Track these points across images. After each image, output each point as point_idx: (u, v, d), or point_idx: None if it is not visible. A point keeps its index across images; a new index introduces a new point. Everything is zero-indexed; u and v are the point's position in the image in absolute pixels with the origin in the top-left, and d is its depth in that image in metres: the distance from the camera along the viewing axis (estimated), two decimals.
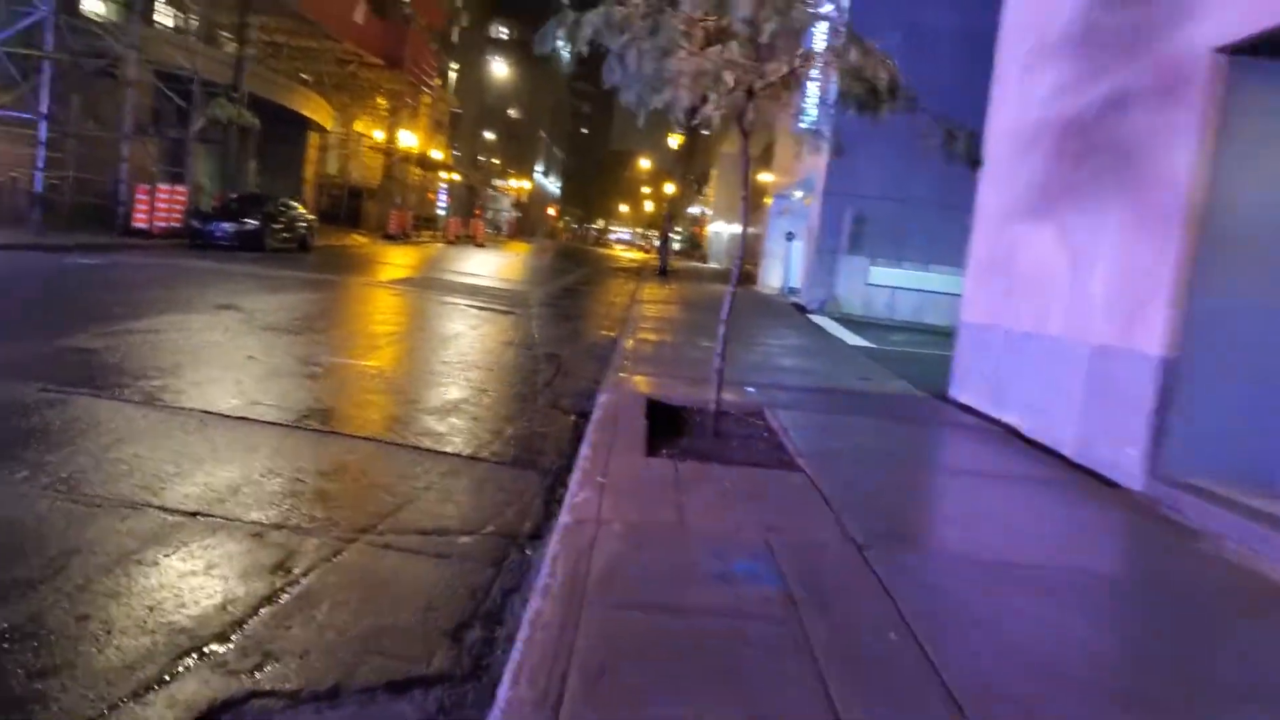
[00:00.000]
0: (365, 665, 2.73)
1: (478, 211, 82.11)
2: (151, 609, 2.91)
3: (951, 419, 8.49)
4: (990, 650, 3.26)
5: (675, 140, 33.52)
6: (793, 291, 24.91)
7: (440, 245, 40.36)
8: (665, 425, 6.95)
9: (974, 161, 6.12)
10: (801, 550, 4.08)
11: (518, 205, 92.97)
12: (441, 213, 63.81)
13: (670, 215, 44.39)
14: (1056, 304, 7.62)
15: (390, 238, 37.68)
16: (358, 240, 33.71)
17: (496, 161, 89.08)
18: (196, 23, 27.62)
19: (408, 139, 45.92)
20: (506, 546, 4.04)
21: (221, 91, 23.16)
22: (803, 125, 20.44)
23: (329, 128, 39.27)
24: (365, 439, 5.51)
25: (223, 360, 7.35)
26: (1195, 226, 6.06)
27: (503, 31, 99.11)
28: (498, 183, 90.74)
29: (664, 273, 31.46)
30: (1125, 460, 6.34)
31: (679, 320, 15.68)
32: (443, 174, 66.67)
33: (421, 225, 51.43)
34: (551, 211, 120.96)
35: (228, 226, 20.83)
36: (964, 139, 6.18)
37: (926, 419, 8.45)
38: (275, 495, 4.20)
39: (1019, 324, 8.31)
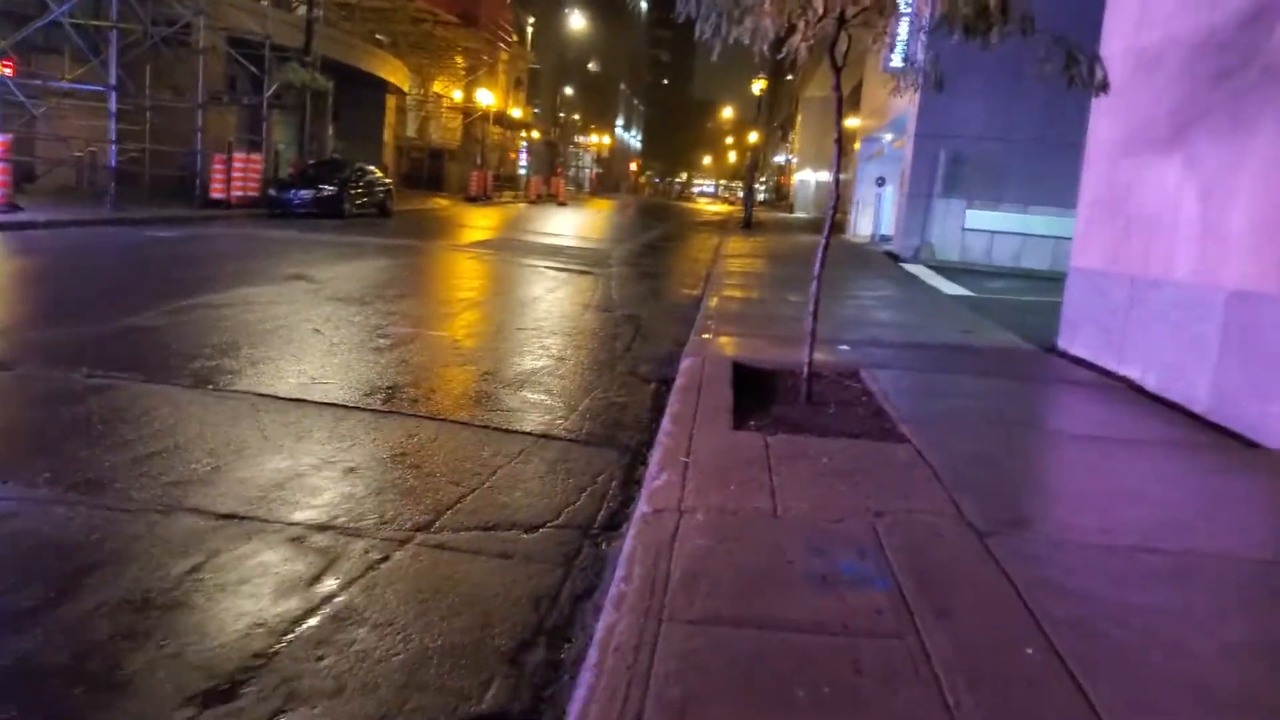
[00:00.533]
0: (408, 704, 2.36)
1: (559, 170, 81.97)
2: (162, 644, 2.58)
3: (1065, 374, 7.75)
4: (1149, 668, 2.72)
5: (758, 86, 32.36)
6: (885, 239, 23.87)
7: (522, 205, 40.20)
8: (753, 391, 6.46)
9: (1100, 86, 5.36)
10: (914, 541, 3.57)
11: (599, 161, 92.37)
12: (523, 172, 63.75)
13: (754, 165, 43.18)
14: (1185, 245, 6.78)
15: (472, 199, 37.66)
16: (439, 203, 33.77)
17: (576, 117, 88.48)
18: None
19: (486, 98, 45.70)
20: (579, 540, 3.64)
21: (293, 56, 23.17)
22: (894, 62, 19.32)
23: (406, 89, 39.27)
24: (429, 418, 5.18)
25: (285, 336, 7.13)
26: None
27: None
28: (579, 139, 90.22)
29: (748, 225, 30.60)
30: (1270, 419, 5.58)
31: (765, 275, 15.05)
32: (522, 132, 66.53)
33: (503, 185, 51.44)
34: (633, 166, 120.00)
35: (305, 194, 20.92)
36: (1087, 62, 5.41)
37: (1038, 375, 7.73)
38: (323, 490, 3.88)
39: (1140, 268, 7.48)
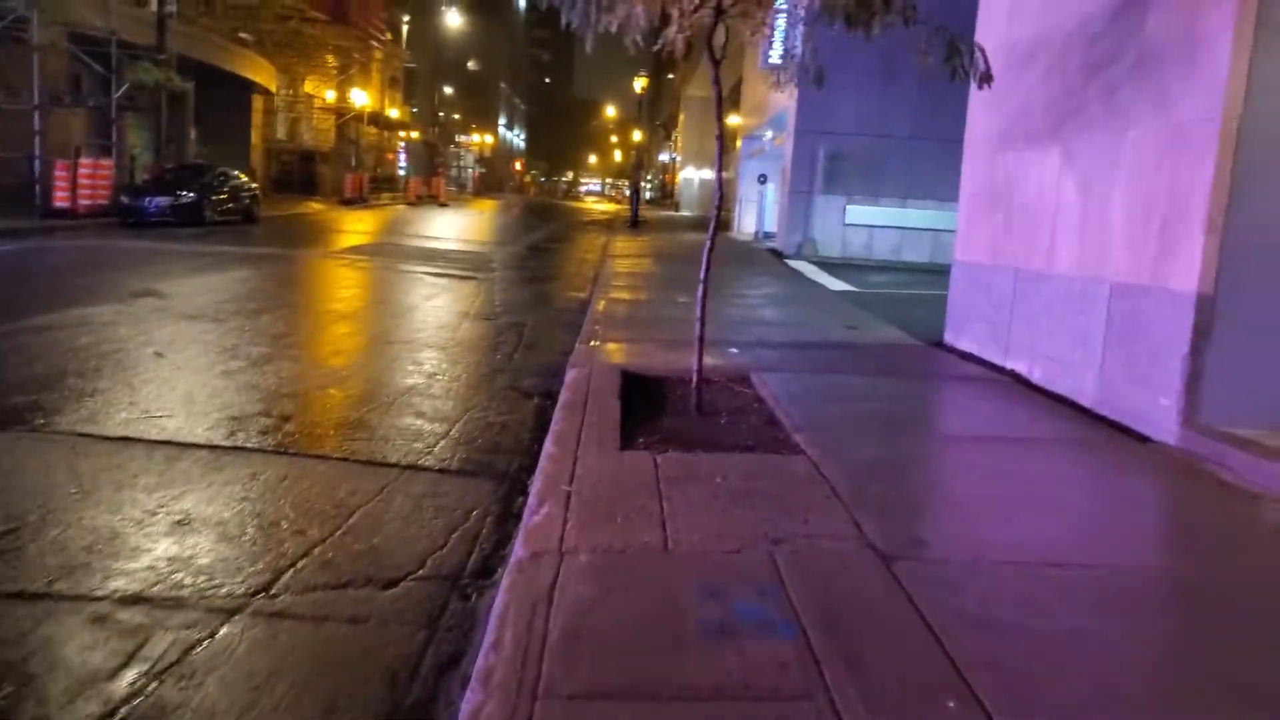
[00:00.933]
0: None
1: (440, 170, 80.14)
2: None
3: (954, 370, 7.70)
4: (1077, 712, 2.48)
5: (639, 84, 32.18)
6: (768, 236, 24.02)
7: (401, 207, 38.95)
8: (643, 402, 6.12)
9: (985, 78, 5.22)
10: (816, 572, 3.27)
11: (481, 161, 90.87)
12: (402, 173, 61.98)
13: (639, 164, 43.10)
14: (1066, 238, 6.80)
15: (347, 202, 36.26)
16: (312, 207, 32.32)
17: (457, 117, 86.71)
18: None
19: (359, 97, 44.15)
20: (445, 594, 3.20)
21: (145, 54, 21.65)
22: (773, 58, 19.36)
23: (274, 89, 37.49)
24: (279, 454, 4.61)
25: (122, 361, 6.38)
26: (1231, 140, 5.23)
27: None
28: (460, 139, 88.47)
29: (635, 224, 30.38)
30: (1157, 411, 5.58)
31: (653, 275, 14.77)
32: (400, 133, 64.73)
33: (381, 187, 49.82)
34: (518, 165, 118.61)
35: (161, 201, 19.53)
36: (968, 53, 5.28)
37: (927, 372, 7.66)
38: (141, 551, 3.30)
39: (1023, 261, 7.49)
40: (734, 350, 8.11)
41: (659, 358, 7.54)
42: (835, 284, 14.99)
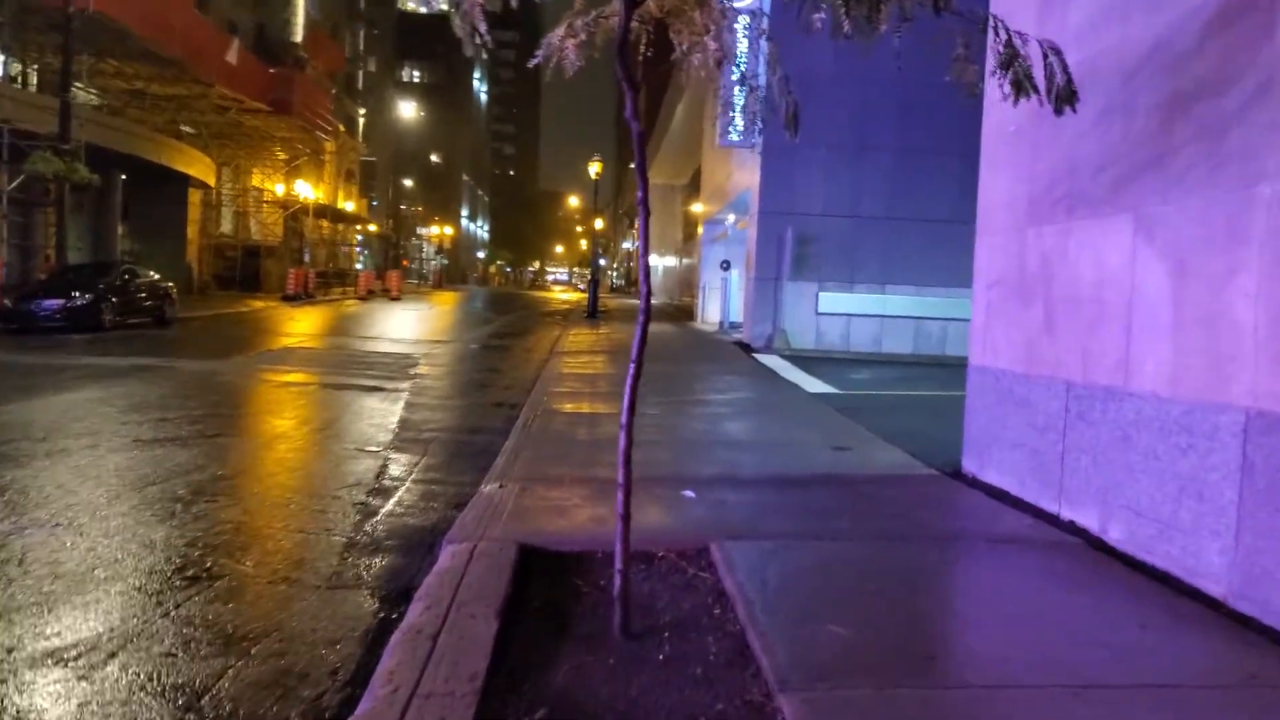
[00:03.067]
0: None
1: (404, 262, 78.53)
2: None
3: (993, 524, 5.56)
4: None
5: (594, 168, 30.78)
6: (734, 327, 22.12)
7: (351, 303, 36.84)
8: (541, 609, 3.94)
9: (1065, 97, 3.24)
10: None
11: (444, 252, 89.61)
12: (360, 267, 60.12)
13: (596, 252, 41.63)
14: (1153, 342, 4.77)
15: (290, 299, 34.09)
16: (250, 305, 30.08)
17: (420, 209, 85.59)
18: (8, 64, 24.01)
19: (306, 190, 42.57)
20: None
21: (46, 144, 19.66)
22: (732, 136, 17.76)
23: (211, 183, 35.63)
24: None
25: None
26: None
27: (415, 74, 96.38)
28: (420, 230, 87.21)
29: (593, 314, 28.47)
30: None
31: (601, 377, 12.67)
32: (357, 226, 63.24)
33: (332, 282, 47.82)
34: (481, 255, 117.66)
35: (51, 304, 17.29)
36: (1022, 67, 3.31)
37: (957, 528, 5.51)
38: None
39: (1078, 372, 5.45)
40: (690, 493, 5.97)
41: (586, 513, 5.37)
42: (813, 384, 12.96)
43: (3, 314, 17.34)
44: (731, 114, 16.01)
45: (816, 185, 17.40)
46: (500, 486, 5.99)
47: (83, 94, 30.87)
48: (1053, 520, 5.51)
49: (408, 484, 6.45)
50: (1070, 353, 5.53)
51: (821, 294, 17.62)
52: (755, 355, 16.89)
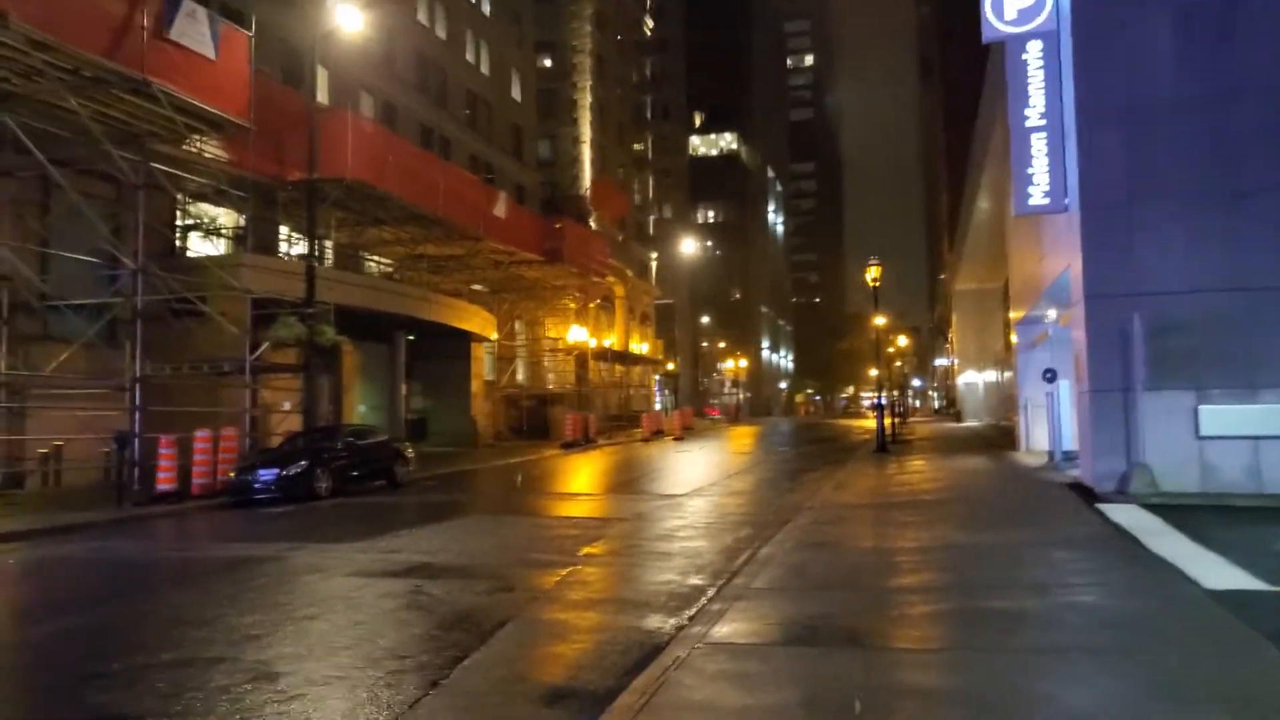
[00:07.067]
0: None
1: (712, 400, 77.63)
2: None
3: None
4: None
5: (872, 273, 26.46)
6: (1069, 458, 16.37)
7: (638, 445, 34.68)
8: None
9: None
10: None
11: (742, 384, 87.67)
12: (659, 407, 59.34)
13: (889, 376, 36.56)
14: None
15: (569, 446, 32.58)
16: (525, 456, 28.65)
17: (723, 345, 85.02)
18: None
19: (579, 334, 42.22)
20: None
21: (295, 310, 19.30)
22: (1034, 199, 13.06)
23: (491, 336, 35.79)
24: None
25: None
26: None
27: (709, 215, 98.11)
28: (720, 366, 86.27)
29: (882, 449, 23.60)
30: None
31: (853, 569, 8.33)
32: (653, 367, 63.03)
33: (625, 424, 46.76)
34: (782, 385, 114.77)
35: (267, 475, 16.07)
36: None
37: None
38: None
39: None
40: None
41: None
42: (1215, 570, 7.63)
43: (227, 486, 16.45)
44: (1029, 170, 10.30)
45: (1173, 249, 11.93)
46: None
47: (371, 263, 32.62)
48: None
49: None
50: None
51: (1203, 408, 11.80)
52: (1101, 508, 11.41)
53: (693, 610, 7.11)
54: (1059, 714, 4.43)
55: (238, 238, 22.63)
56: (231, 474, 16.68)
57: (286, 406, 21.88)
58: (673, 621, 6.84)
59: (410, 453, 19.86)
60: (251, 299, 19.55)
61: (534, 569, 9.25)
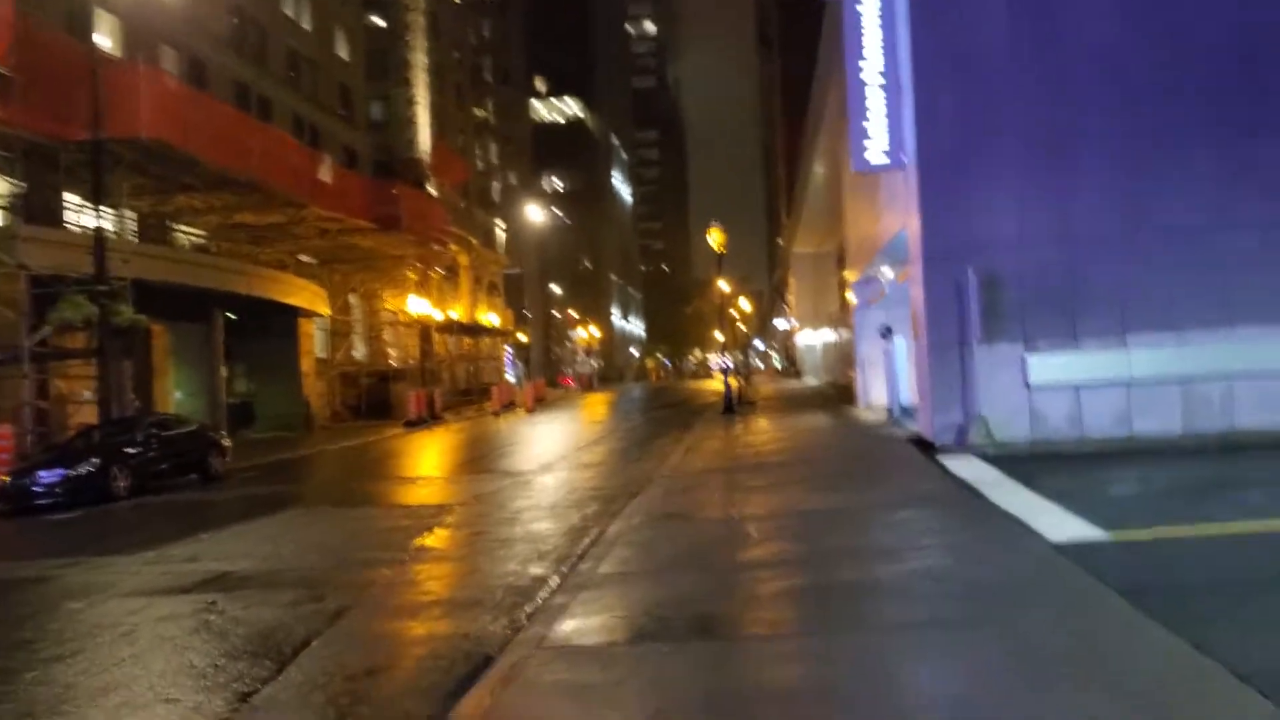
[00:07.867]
0: None
1: (566, 369, 76.81)
2: None
3: None
4: None
5: (714, 238, 26.25)
6: (907, 413, 16.59)
7: (488, 419, 33.45)
8: None
9: None
10: None
11: (593, 353, 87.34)
12: (511, 379, 57.94)
13: (734, 338, 36.84)
14: None
15: (411, 424, 31.01)
16: (367, 437, 27.01)
17: (575, 314, 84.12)
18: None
19: (422, 307, 40.45)
20: None
21: (82, 288, 17.13)
22: (870, 156, 12.93)
23: (323, 311, 33.57)
24: None
25: None
26: None
27: (556, 182, 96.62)
28: (571, 335, 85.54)
29: (729, 410, 23.55)
30: None
31: (706, 529, 7.78)
32: (502, 339, 61.59)
33: (474, 398, 45.36)
34: (634, 352, 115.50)
35: (49, 476, 14.12)
36: None
37: None
38: None
39: None
40: None
41: None
42: (1052, 519, 7.53)
43: (4, 492, 14.34)
44: (865, 124, 9.85)
45: (1005, 203, 12.01)
46: None
47: (182, 237, 29.81)
48: None
49: None
50: None
51: (1031, 358, 12.01)
52: (941, 459, 11.44)
53: (531, 607, 6.38)
54: (925, 702, 3.98)
55: (11, 207, 20.01)
56: (6, 478, 14.62)
57: (86, 396, 19.66)
58: (506, 623, 6.09)
59: (227, 442, 18.14)
60: (30, 276, 17.26)
61: (353, 571, 8.26)
